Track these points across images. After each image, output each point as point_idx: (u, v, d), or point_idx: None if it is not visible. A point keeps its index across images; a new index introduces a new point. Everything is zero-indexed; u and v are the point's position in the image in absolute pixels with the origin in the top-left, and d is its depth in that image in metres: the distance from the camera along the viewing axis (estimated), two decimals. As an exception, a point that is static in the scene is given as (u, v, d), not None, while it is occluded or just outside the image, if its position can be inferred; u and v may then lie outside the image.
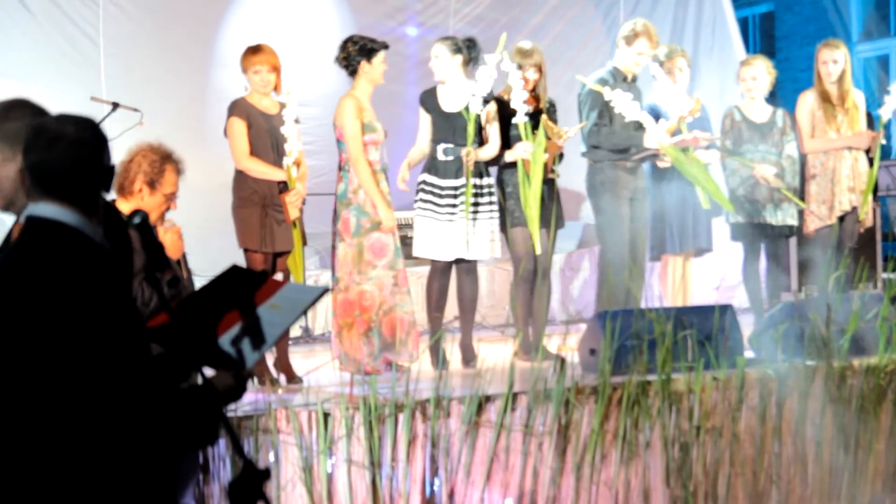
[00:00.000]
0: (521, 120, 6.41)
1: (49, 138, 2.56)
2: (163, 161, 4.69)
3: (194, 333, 2.61)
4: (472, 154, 6.33)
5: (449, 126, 6.40)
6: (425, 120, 6.48)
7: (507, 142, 6.57)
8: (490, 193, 6.51)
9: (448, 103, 6.45)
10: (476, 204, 6.43)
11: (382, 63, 6.18)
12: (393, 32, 8.98)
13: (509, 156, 6.49)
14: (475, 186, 6.41)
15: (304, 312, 2.80)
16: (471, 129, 6.34)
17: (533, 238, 6.41)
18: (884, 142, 7.40)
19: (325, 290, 2.84)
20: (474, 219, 6.41)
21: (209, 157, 7.15)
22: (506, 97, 6.61)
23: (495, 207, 6.51)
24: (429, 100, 6.49)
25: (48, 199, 2.53)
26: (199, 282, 5.20)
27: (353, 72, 6.19)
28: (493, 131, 6.49)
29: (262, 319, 2.67)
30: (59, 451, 2.36)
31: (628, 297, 6.70)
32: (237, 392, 2.61)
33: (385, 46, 6.21)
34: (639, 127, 6.71)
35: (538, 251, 6.46)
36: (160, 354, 2.60)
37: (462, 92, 6.45)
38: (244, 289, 2.71)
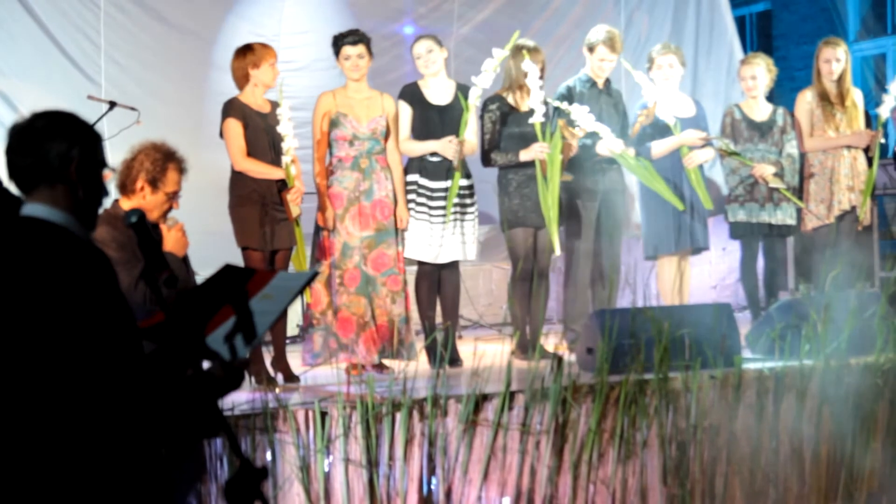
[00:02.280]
0: (537, 119, 6.40)
1: (17, 138, 2.55)
2: (165, 160, 4.68)
3: (188, 329, 2.61)
4: (466, 145, 6.34)
5: (438, 119, 6.40)
6: (406, 113, 6.46)
7: (508, 141, 6.56)
8: (472, 195, 6.52)
9: (435, 96, 6.46)
10: (462, 205, 6.44)
11: (346, 59, 6.24)
12: (395, 36, 8.98)
13: (524, 155, 6.46)
14: (461, 187, 6.42)
15: (295, 297, 2.81)
16: (466, 117, 6.35)
17: (552, 239, 6.41)
18: (882, 141, 7.40)
19: (314, 274, 2.86)
20: (462, 220, 6.42)
21: (210, 158, 7.16)
22: (504, 95, 6.61)
23: (477, 207, 6.53)
24: (412, 93, 6.48)
25: (34, 199, 2.53)
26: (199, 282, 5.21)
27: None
28: (471, 127, 6.50)
29: (256, 310, 2.68)
30: (51, 449, 2.36)
31: (594, 302, 6.82)
32: (234, 381, 2.60)
33: (350, 42, 6.21)
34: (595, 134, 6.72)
35: (557, 252, 6.48)
36: (153, 350, 2.60)
37: (447, 86, 6.47)
38: (238, 284, 2.72)
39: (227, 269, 2.80)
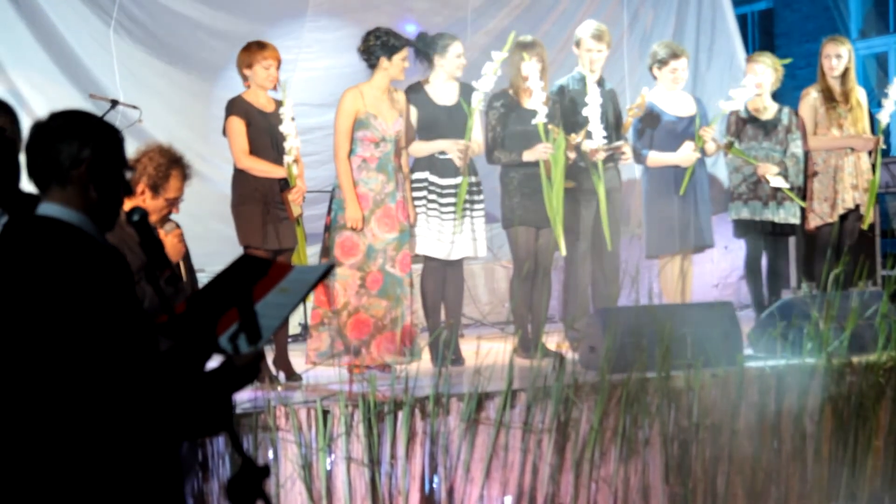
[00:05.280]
0: (540, 120, 6.38)
1: (34, 137, 2.55)
2: (169, 165, 4.62)
3: (205, 323, 2.59)
4: (472, 149, 6.34)
5: (447, 120, 6.39)
6: (413, 114, 6.43)
7: (512, 139, 6.55)
8: (480, 192, 6.52)
9: (440, 97, 6.45)
10: (472, 202, 6.44)
11: (403, 60, 6.13)
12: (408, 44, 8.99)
13: (528, 156, 6.46)
14: (470, 184, 6.42)
15: (311, 290, 2.79)
16: (470, 123, 6.35)
17: (558, 239, 6.39)
18: (884, 146, 7.41)
19: (330, 267, 2.83)
20: (472, 216, 6.43)
21: (216, 157, 7.17)
22: (510, 92, 6.61)
23: (483, 205, 6.53)
24: (417, 94, 6.46)
25: (48, 199, 2.53)
26: (202, 280, 5.22)
27: (372, 65, 6.17)
28: (478, 126, 6.49)
29: (272, 303, 2.66)
30: (66, 448, 2.36)
31: (595, 300, 6.81)
32: (251, 374, 2.58)
33: (409, 43, 6.18)
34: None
35: (563, 252, 6.46)
36: (171, 346, 2.58)
37: (452, 87, 6.46)
38: (255, 276, 2.70)
39: (245, 259, 2.77)
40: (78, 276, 2.39)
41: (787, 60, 7.44)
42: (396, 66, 6.12)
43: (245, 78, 6.02)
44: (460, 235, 6.39)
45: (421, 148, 6.43)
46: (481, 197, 6.53)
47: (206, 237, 7.11)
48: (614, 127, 6.89)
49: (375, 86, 6.15)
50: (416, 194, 6.38)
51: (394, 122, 6.13)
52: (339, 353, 5.98)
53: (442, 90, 6.47)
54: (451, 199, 6.37)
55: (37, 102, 7.43)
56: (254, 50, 5.97)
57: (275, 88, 6.03)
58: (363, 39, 6.18)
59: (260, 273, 2.73)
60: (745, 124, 7.24)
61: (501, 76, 6.49)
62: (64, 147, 2.53)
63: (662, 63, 7.05)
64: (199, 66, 8.16)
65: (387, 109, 6.13)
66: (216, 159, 7.42)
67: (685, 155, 6.94)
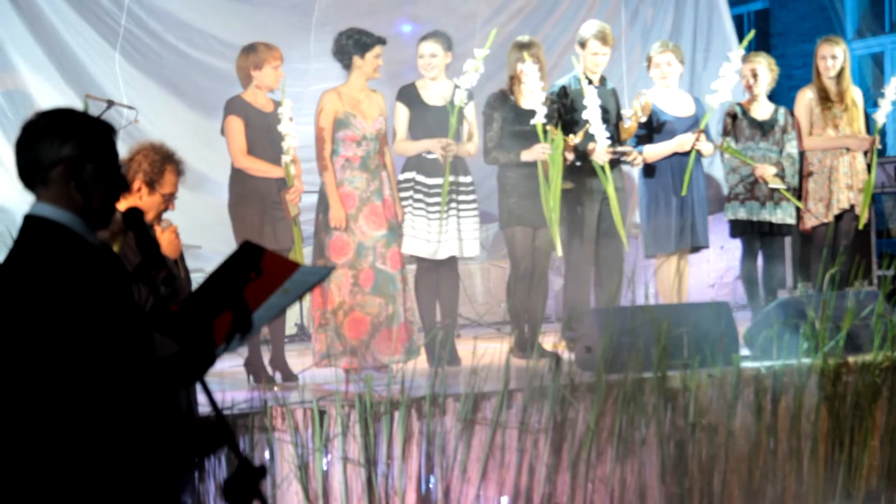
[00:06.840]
0: (539, 120, 6.38)
1: (20, 136, 2.54)
2: (163, 161, 4.63)
3: (205, 325, 2.56)
4: (452, 147, 6.31)
5: (436, 121, 6.39)
6: (403, 114, 6.46)
7: (510, 139, 6.54)
8: (472, 192, 6.51)
9: (432, 97, 6.45)
10: (460, 202, 6.43)
11: (376, 58, 6.14)
12: (411, 49, 9.02)
13: (526, 156, 6.45)
14: (459, 184, 6.41)
15: (306, 293, 2.76)
16: (453, 121, 6.32)
17: (554, 240, 6.39)
18: (879, 146, 7.41)
19: (330, 271, 2.81)
20: (460, 216, 6.41)
21: (216, 158, 7.16)
22: (507, 92, 6.61)
23: (476, 205, 6.52)
24: (409, 95, 6.46)
25: (39, 198, 2.52)
26: (196, 280, 5.22)
27: (346, 65, 6.18)
28: (467, 128, 6.48)
29: (274, 305, 2.64)
30: (59, 450, 2.36)
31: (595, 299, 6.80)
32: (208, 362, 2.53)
33: (381, 41, 6.18)
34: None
35: (559, 253, 6.45)
36: (173, 354, 2.55)
37: (445, 87, 6.46)
38: (256, 269, 2.66)
39: (246, 248, 2.73)
40: (65, 277, 2.38)
41: (752, 34, 7.40)
42: (370, 63, 6.13)
43: (247, 80, 6.02)
44: (446, 235, 6.38)
45: (407, 147, 6.44)
46: (472, 197, 6.52)
47: (204, 237, 7.11)
48: (616, 127, 6.87)
49: (352, 86, 6.18)
50: (402, 194, 6.39)
51: (374, 120, 6.14)
52: (338, 353, 5.98)
53: (435, 90, 6.47)
54: (438, 199, 6.38)
55: (44, 103, 7.45)
56: (263, 51, 5.97)
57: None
58: (335, 41, 6.20)
59: (260, 266, 2.68)
60: (742, 124, 7.24)
61: (500, 76, 6.49)
62: (43, 145, 2.50)
63: (650, 62, 7.08)
64: (206, 73, 8.17)
65: (365, 108, 6.15)
66: (217, 161, 7.42)
67: (680, 141, 6.92)
